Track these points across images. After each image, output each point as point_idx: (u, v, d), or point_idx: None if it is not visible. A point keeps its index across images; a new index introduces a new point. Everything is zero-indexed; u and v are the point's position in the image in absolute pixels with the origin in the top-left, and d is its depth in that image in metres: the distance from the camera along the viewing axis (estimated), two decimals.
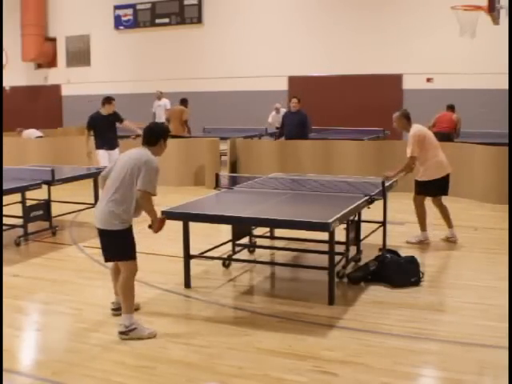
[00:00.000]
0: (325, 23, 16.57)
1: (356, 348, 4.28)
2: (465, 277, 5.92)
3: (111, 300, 5.02)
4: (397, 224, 7.84)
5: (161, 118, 15.23)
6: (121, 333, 4.48)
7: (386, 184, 6.38)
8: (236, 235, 6.31)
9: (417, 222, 7.31)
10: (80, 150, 12.19)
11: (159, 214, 4.89)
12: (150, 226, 4.71)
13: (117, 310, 4.87)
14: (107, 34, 19.49)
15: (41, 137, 14.61)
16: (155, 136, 4.75)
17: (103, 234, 4.58)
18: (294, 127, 11.39)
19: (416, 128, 7.15)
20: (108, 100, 9.59)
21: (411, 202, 7.74)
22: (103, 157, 9.44)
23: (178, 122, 13.20)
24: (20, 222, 7.41)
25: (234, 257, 6.27)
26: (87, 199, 8.40)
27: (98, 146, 9.57)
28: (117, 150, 9.49)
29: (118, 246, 4.57)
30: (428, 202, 7.31)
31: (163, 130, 4.90)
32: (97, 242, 7.91)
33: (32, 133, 14.80)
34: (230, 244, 6.36)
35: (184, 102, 13.72)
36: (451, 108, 12.20)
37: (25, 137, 14.68)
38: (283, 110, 13.79)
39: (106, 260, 4.71)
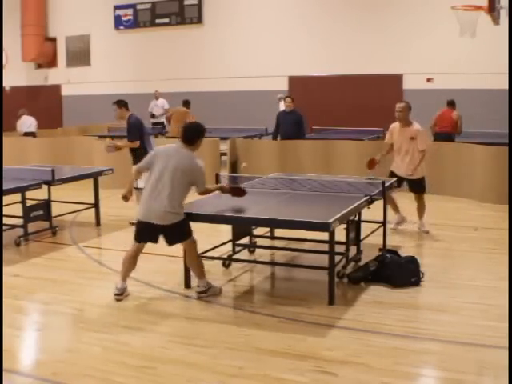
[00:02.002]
0: (325, 23, 16.57)
1: (356, 348, 4.28)
2: (465, 277, 5.92)
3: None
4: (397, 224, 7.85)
5: (158, 117, 15.29)
6: (200, 292, 5.30)
7: (386, 184, 6.39)
8: (236, 235, 6.31)
9: (417, 221, 7.31)
10: (80, 149, 12.23)
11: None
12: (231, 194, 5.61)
13: (120, 295, 5.22)
14: (107, 34, 19.49)
15: (32, 133, 14.41)
16: (196, 136, 5.22)
17: (166, 228, 5.10)
18: (290, 127, 11.36)
19: (419, 125, 7.41)
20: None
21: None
22: None
23: (180, 124, 13.12)
24: (20, 221, 7.41)
25: (234, 257, 6.27)
26: (87, 199, 8.40)
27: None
28: None
29: (181, 232, 5.19)
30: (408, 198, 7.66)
31: (202, 130, 5.30)
32: (97, 241, 7.92)
33: (26, 122, 14.63)
34: (230, 244, 6.36)
35: (187, 103, 13.74)
36: (451, 104, 11.99)
37: (19, 125, 14.60)
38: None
39: (171, 244, 5.27)
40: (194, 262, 5.35)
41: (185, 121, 13.14)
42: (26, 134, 14.54)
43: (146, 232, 5.21)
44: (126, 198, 5.62)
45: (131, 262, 5.31)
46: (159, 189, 5.06)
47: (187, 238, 5.26)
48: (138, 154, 7.56)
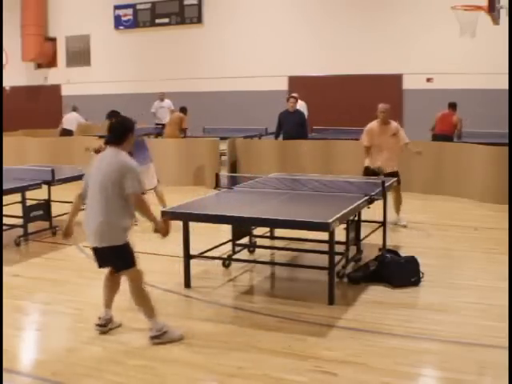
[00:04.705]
0: (325, 23, 16.56)
1: (356, 348, 4.28)
2: (465, 277, 5.92)
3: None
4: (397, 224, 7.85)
5: (164, 119, 15.22)
6: (153, 337, 4.37)
7: (386, 184, 6.39)
8: (236, 235, 6.30)
9: (417, 221, 7.32)
10: (80, 149, 12.21)
11: (158, 215, 4.89)
12: (155, 231, 4.44)
13: (103, 326, 4.56)
14: (107, 34, 19.47)
15: (69, 131, 14.74)
16: (123, 132, 4.43)
17: (105, 251, 4.34)
18: (293, 127, 11.36)
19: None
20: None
21: (411, 202, 7.78)
22: None
23: (175, 127, 13.47)
24: (20, 221, 7.41)
25: (234, 257, 6.27)
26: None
27: None
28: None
29: (123, 257, 4.38)
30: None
31: (127, 123, 4.51)
32: None
33: (69, 119, 15.01)
34: (230, 244, 6.36)
35: (184, 110, 14.01)
36: (453, 107, 12.01)
37: (64, 121, 14.97)
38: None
39: (118, 271, 4.49)
40: (139, 298, 4.44)
41: (180, 125, 13.44)
42: (64, 132, 14.70)
43: (96, 257, 4.49)
44: (66, 234, 4.63)
45: (107, 286, 4.67)
46: (94, 206, 4.34)
47: (130, 267, 4.39)
48: None
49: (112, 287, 4.65)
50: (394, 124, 7.78)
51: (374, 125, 7.80)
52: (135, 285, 4.41)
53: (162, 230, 4.43)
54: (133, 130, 4.49)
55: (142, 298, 4.43)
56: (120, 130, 4.44)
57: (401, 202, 7.86)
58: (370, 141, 7.74)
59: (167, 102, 15.86)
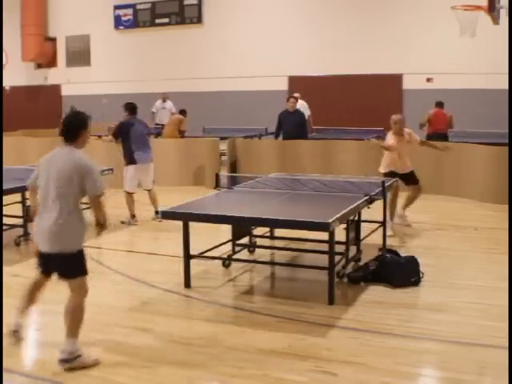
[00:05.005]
0: (325, 23, 16.56)
1: (356, 348, 4.28)
2: (465, 277, 5.92)
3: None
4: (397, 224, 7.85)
5: (164, 120, 15.20)
6: (63, 360, 3.92)
7: (386, 184, 6.39)
8: (236, 235, 6.30)
9: (417, 221, 7.32)
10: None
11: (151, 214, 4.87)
12: (97, 225, 4.12)
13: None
14: (107, 34, 19.48)
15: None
16: (76, 128, 4.08)
17: (54, 258, 3.98)
18: (293, 127, 11.36)
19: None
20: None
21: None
22: None
23: (174, 128, 13.57)
24: (20, 221, 7.41)
25: (234, 257, 6.27)
26: (86, 199, 8.38)
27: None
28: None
29: (74, 264, 4.02)
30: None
31: (80, 118, 4.15)
32: (96, 241, 7.91)
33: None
34: (230, 244, 6.36)
35: (183, 112, 14.08)
36: (441, 105, 12.21)
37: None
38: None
39: (64, 278, 4.06)
40: (76, 313, 4.00)
41: (178, 126, 13.52)
42: None
43: (42, 262, 4.12)
44: (29, 219, 4.30)
45: (32, 293, 4.26)
46: (47, 207, 3.97)
47: (81, 275, 4.03)
48: (124, 154, 8.53)
49: (32, 298, 4.26)
50: (406, 131, 7.91)
51: (390, 137, 7.91)
52: (78, 297, 4.01)
53: (101, 229, 4.13)
54: (86, 126, 4.13)
55: (78, 313, 4.00)
56: (73, 127, 4.08)
57: (413, 201, 7.98)
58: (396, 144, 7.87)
59: (169, 104, 15.78)
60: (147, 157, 8.59)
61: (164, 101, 15.81)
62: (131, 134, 8.47)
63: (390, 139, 7.88)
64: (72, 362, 3.92)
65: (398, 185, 7.55)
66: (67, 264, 3.99)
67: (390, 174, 7.70)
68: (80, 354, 3.96)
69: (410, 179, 7.94)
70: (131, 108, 8.76)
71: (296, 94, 12.74)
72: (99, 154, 11.24)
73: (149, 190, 8.58)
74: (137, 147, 8.46)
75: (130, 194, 8.44)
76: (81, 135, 4.09)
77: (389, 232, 7.24)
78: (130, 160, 8.44)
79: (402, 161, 7.84)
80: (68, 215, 3.95)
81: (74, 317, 3.99)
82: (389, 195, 7.37)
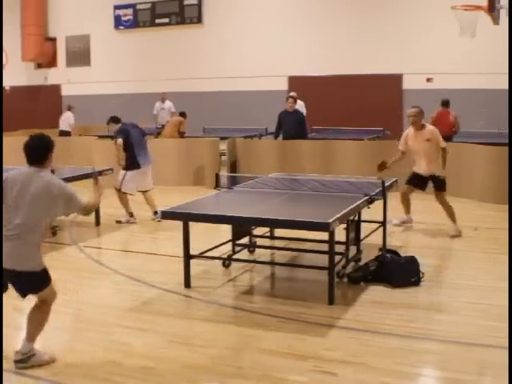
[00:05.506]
0: (325, 23, 16.55)
1: (356, 348, 4.28)
2: (465, 277, 5.92)
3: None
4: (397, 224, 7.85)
5: (164, 121, 15.20)
6: (18, 361, 4.01)
7: (386, 184, 6.39)
8: (236, 235, 6.30)
9: (417, 221, 7.31)
10: (80, 149, 12.22)
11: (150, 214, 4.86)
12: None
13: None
14: (107, 34, 19.46)
15: (67, 132, 14.54)
16: (45, 152, 4.13)
17: (19, 275, 3.96)
18: (293, 127, 11.37)
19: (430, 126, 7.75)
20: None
21: (411, 202, 7.76)
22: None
23: (173, 129, 13.68)
24: None
25: (234, 257, 6.27)
26: (86, 199, 8.38)
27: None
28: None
29: (38, 282, 4.07)
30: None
31: (47, 142, 4.20)
32: (96, 241, 7.90)
33: (66, 119, 14.92)
34: (230, 244, 6.36)
35: (183, 114, 14.16)
36: (446, 104, 12.04)
37: (60, 121, 14.80)
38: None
39: (25, 294, 4.06)
40: (42, 319, 4.10)
41: (178, 128, 13.56)
42: (61, 134, 14.63)
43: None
44: None
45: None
46: (15, 227, 3.93)
47: (46, 287, 4.08)
48: (127, 159, 8.47)
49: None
50: (429, 128, 7.61)
51: (409, 130, 7.76)
52: (47, 304, 4.10)
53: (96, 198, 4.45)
54: (53, 148, 4.19)
55: (43, 319, 4.09)
56: (41, 151, 4.12)
57: (449, 209, 7.59)
58: (404, 145, 7.75)
59: (168, 104, 15.81)
60: (148, 159, 8.68)
61: (163, 101, 15.83)
62: (131, 139, 8.50)
63: (404, 136, 7.74)
64: (26, 362, 4.03)
65: (409, 187, 7.57)
66: (33, 282, 4.04)
67: (416, 176, 7.61)
68: (34, 353, 4.06)
69: (434, 184, 7.61)
70: (115, 118, 8.78)
71: (293, 93, 12.70)
72: (99, 154, 11.29)
73: (147, 191, 8.61)
74: (138, 151, 8.53)
75: (125, 194, 8.47)
76: (48, 158, 4.14)
77: (451, 232, 7.29)
78: (134, 165, 8.46)
79: (424, 161, 7.54)
80: (36, 235, 4.06)
81: (42, 321, 4.11)
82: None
